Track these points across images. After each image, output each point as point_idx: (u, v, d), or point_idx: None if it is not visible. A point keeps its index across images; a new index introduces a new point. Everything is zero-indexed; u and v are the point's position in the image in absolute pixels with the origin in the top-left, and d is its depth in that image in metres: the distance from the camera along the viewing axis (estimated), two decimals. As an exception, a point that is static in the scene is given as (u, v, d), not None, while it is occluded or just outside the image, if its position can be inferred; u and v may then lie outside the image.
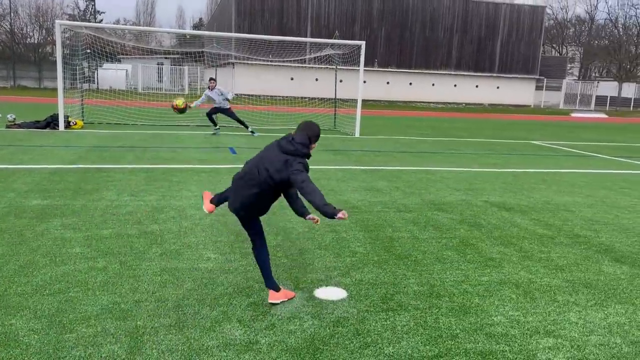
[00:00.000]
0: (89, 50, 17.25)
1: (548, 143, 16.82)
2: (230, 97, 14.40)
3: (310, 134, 3.66)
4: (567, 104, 48.57)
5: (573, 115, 38.69)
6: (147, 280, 4.13)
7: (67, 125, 14.29)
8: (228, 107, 14.50)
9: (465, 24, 44.18)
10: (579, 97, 49.09)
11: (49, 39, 47.70)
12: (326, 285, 4.19)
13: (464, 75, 44.84)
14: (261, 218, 6.17)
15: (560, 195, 8.28)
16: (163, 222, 5.77)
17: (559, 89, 49.44)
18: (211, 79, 14.58)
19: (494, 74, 45.47)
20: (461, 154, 13.06)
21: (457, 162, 11.52)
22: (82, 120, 15.83)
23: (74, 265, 4.37)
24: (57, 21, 14.11)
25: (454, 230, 5.95)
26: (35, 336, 3.20)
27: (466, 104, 44.85)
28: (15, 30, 44.24)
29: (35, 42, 46.98)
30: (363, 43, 16.05)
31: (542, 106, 47.49)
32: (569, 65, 62.29)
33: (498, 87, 45.84)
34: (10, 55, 40.43)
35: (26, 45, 44.38)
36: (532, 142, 17.07)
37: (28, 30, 45.45)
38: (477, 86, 45.39)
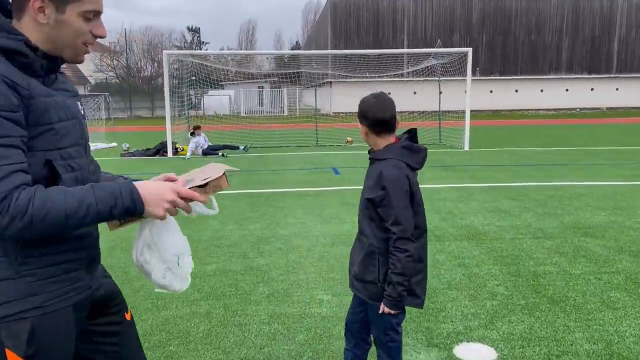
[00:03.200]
0: (194, 77, 17.81)
1: (694, 148, 14.52)
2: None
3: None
4: (703, 103, 43.02)
5: None
6: (255, 330, 3.58)
7: (175, 151, 14.66)
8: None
9: (576, 23, 40.92)
10: None
11: (160, 71, 51.19)
12: (467, 341, 3.38)
13: (576, 78, 41.42)
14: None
15: None
16: (269, 255, 5.28)
17: (691, 86, 43.99)
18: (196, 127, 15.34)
19: (612, 75, 41.52)
20: (591, 165, 11.50)
21: (589, 175, 10.08)
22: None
23: (176, 310, 3.95)
24: (164, 52, 14.65)
25: (613, 263, 4.84)
26: (131, 405, 2.73)
27: (580, 109, 41.30)
28: (131, 65, 47.93)
29: (149, 74, 50.59)
30: (469, 50, 14.98)
31: (671, 107, 42.47)
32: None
33: (617, 89, 41.76)
34: (127, 89, 43.75)
35: (140, 78, 47.93)
36: (674, 148, 14.85)
37: (142, 64, 49.13)
38: (592, 89, 41.68)
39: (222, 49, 76.10)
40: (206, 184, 1.56)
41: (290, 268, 4.86)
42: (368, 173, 2.39)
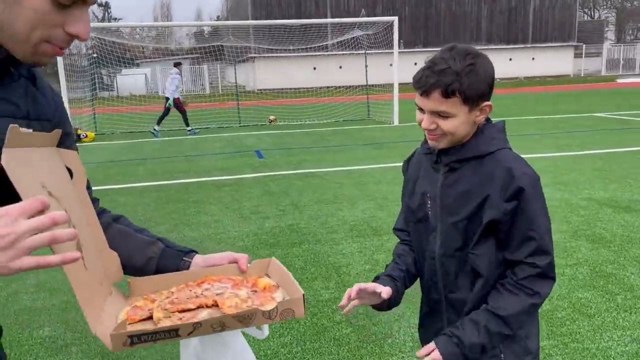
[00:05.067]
0: (95, 55, 15.98)
1: (612, 114, 14.75)
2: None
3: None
4: (609, 70, 45.50)
5: (619, 81, 35.91)
6: (139, 392, 2.62)
7: (77, 138, 13.03)
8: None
9: (493, -7, 41.66)
10: (622, 62, 45.92)
11: (67, 50, 47.06)
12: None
13: (495, 48, 42.31)
14: (303, 255, 4.56)
15: (678, 182, 6.46)
16: (172, 269, 4.27)
17: (598, 55, 46.34)
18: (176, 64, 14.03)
19: (528, 45, 42.80)
20: (521, 136, 11.22)
21: (521, 146, 9.70)
22: (94, 132, 14.57)
23: (32, 367, 2.90)
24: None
25: (572, 252, 4.26)
26: None
27: (500, 79, 42.35)
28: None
29: (54, 54, 46.43)
30: (395, 19, 14.30)
31: (582, 74, 44.58)
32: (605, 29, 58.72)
33: (533, 59, 43.15)
34: (29, 70, 39.88)
35: (45, 58, 43.84)
36: (595, 114, 15.02)
37: (45, 42, 44.97)
38: (510, 59, 42.79)
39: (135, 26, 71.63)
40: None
41: (197, 286, 3.89)
42: (454, 183, 1.43)
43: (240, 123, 16.27)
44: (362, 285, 1.42)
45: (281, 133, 13.66)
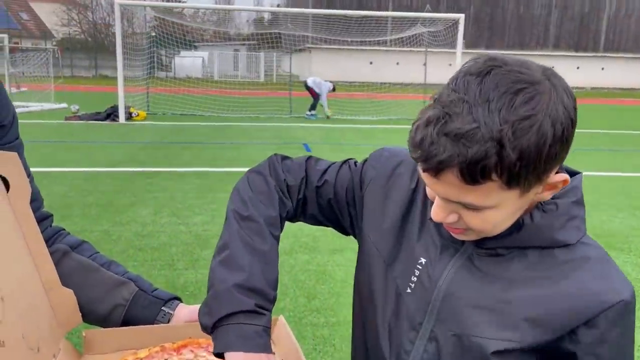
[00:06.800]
0: (153, 34, 16.06)
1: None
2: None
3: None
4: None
5: (697, 99, 33.48)
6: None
7: (129, 116, 13.08)
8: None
9: (566, -2, 39.77)
10: (700, 78, 42.93)
11: (131, 29, 48.18)
12: None
13: (563, 55, 40.41)
14: (344, 264, 4.15)
15: None
16: (204, 266, 3.96)
17: (674, 69, 43.49)
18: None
19: (599, 54, 40.66)
20: (594, 151, 10.36)
21: (594, 162, 8.92)
22: (146, 111, 14.62)
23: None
24: (116, 1, 12.87)
25: (659, 294, 3.65)
26: None
27: (565, 87, 40.50)
28: (97, 20, 45.11)
29: (122, 32, 47.78)
30: (461, 16, 13.59)
31: (655, 89, 41.96)
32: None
33: (603, 69, 40.93)
34: (93, 46, 41.16)
35: (108, 36, 45.23)
36: (672, 133, 13.85)
37: (110, 20, 46.32)
38: (578, 67, 40.75)
39: (198, 10, 72.82)
40: None
41: (227, 290, 3.55)
42: (486, 276, 0.81)
43: (291, 113, 15.98)
44: None
45: (331, 127, 13.27)
